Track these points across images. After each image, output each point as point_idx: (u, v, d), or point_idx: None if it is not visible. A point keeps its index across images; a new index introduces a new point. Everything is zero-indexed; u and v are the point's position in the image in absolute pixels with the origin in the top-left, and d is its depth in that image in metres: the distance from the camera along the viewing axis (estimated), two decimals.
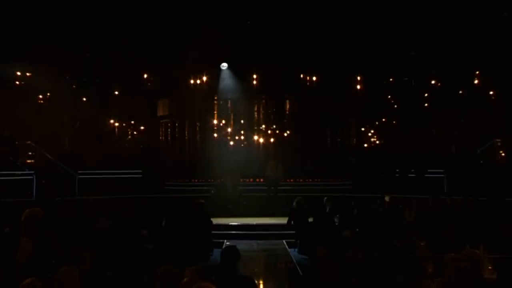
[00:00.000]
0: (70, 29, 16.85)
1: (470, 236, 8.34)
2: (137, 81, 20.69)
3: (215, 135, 20.04)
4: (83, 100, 21.29)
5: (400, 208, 11.89)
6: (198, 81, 19.65)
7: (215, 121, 20.08)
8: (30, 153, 17.83)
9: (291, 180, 18.60)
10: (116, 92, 21.20)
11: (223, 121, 20.29)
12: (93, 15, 16.61)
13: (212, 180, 17.75)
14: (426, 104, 21.28)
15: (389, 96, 21.66)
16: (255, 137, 19.68)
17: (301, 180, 18.74)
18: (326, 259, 5.84)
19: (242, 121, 20.17)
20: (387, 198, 12.54)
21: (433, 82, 20.61)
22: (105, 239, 7.74)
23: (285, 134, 20.16)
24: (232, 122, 20.19)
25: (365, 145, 21.22)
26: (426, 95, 21.20)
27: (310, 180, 18.76)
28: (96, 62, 19.38)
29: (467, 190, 12.98)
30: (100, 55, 19.03)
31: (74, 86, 20.45)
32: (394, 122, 21.74)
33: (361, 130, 21.80)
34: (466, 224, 9.43)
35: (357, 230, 10.34)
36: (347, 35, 17.33)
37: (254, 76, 19.66)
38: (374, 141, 22.18)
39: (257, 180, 18.45)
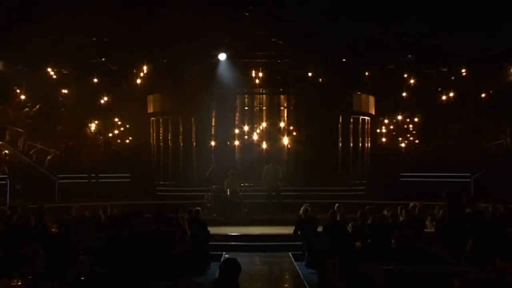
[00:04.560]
0: (50, 17, 16.87)
1: (501, 248, 8.28)
2: (125, 74, 20.71)
3: (212, 133, 20.01)
4: (65, 95, 21.34)
5: (421, 216, 11.82)
6: (194, 74, 19.61)
7: (212, 119, 20.03)
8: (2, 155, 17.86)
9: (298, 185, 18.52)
10: (105, 87, 21.25)
11: (221, 119, 20.22)
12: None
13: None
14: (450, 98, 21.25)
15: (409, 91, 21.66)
16: (257, 136, 19.61)
17: (309, 185, 18.67)
18: (335, 272, 5.79)
19: (242, 119, 20.11)
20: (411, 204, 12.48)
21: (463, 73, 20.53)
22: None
23: (291, 133, 20.09)
24: (231, 119, 20.13)
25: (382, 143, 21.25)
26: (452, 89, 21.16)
27: (319, 184, 18.69)
28: (80, 54, 19.40)
29: (497, 197, 12.88)
30: (86, 45, 19.02)
31: (53, 82, 20.49)
32: (415, 119, 21.74)
33: (377, 129, 21.78)
34: (496, 234, 9.35)
35: (369, 240, 10.30)
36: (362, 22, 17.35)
37: (256, 68, 19.63)
38: (391, 141, 22.18)
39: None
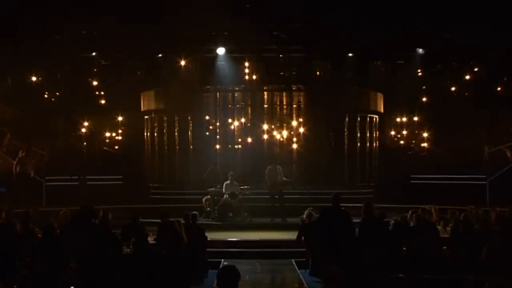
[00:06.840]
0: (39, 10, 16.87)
1: None
2: (117, 70, 20.69)
3: (210, 133, 19.98)
4: (51, 91, 21.27)
5: (432, 221, 11.79)
6: (190, 69, 19.60)
7: (210, 117, 20.01)
8: None
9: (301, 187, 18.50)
10: (95, 83, 21.23)
11: (220, 117, 20.21)
12: None
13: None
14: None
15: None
16: (258, 136, 19.60)
17: (314, 187, 18.62)
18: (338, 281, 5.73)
19: (242, 117, 20.10)
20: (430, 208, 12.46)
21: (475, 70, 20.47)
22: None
23: (293, 133, 20.06)
24: (230, 118, 20.12)
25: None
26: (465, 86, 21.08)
27: (324, 187, 18.64)
28: (70, 48, 19.35)
29: None
30: (76, 39, 18.97)
31: (39, 77, 20.43)
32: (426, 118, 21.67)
33: (385, 128, 21.73)
34: None
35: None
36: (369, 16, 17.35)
37: (256, 64, 19.61)
38: (400, 141, 22.14)
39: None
